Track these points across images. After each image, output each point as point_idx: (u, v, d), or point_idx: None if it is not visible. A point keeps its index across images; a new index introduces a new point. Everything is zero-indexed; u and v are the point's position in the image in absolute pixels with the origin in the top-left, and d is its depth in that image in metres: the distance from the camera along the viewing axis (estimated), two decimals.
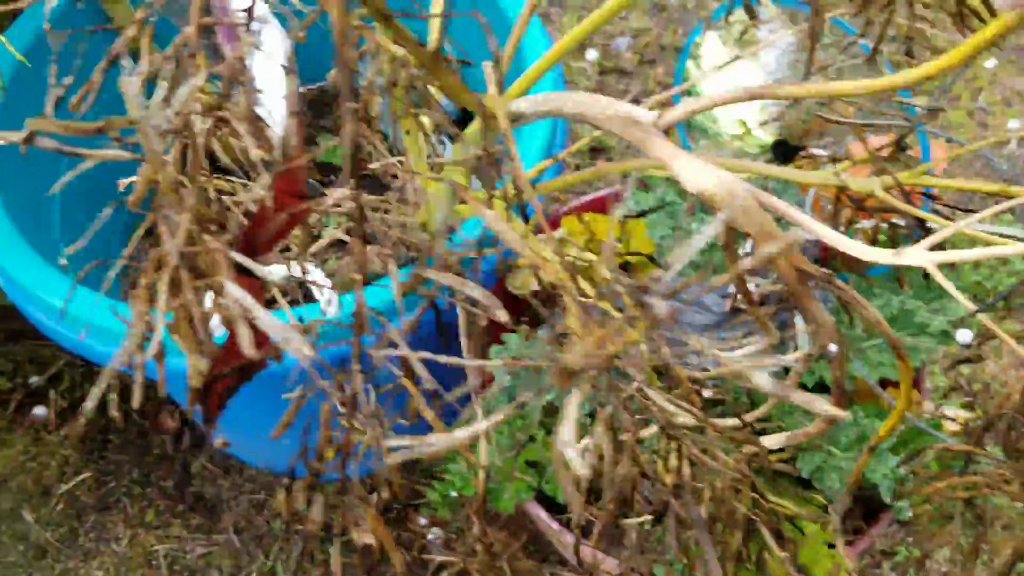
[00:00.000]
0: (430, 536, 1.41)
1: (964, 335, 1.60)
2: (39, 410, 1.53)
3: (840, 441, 0.95)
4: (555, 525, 1.04)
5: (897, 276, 1.05)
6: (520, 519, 1.35)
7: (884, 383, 1.14)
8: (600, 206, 1.33)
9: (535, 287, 1.14)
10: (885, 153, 0.93)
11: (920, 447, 0.98)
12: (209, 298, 0.47)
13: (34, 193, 1.15)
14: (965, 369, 1.57)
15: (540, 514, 1.05)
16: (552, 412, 1.04)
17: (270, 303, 1.29)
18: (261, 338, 0.44)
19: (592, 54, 1.97)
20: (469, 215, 0.93)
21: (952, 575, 1.37)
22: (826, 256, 1.16)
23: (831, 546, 0.95)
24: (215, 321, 0.47)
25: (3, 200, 1.07)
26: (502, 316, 0.51)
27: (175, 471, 1.47)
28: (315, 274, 0.96)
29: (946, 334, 1.02)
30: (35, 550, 1.40)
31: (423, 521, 1.43)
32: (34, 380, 1.56)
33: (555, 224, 1.22)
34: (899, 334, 1.00)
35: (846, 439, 0.95)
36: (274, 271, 0.93)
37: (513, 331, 1.05)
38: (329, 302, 0.96)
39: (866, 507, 1.06)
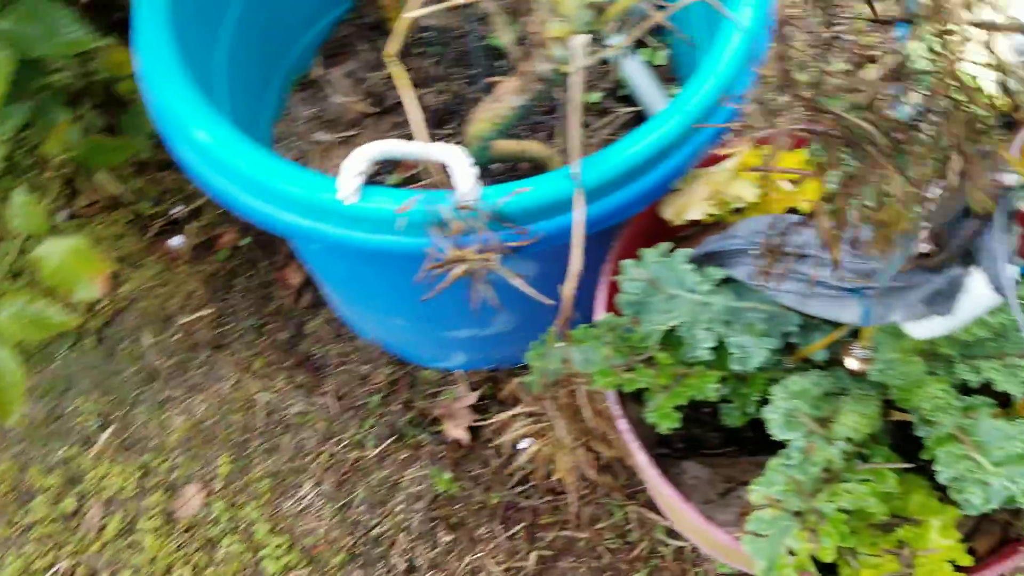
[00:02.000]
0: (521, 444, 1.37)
1: None
2: (176, 240, 1.57)
3: (993, 453, 0.83)
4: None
5: None
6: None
7: None
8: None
9: (693, 216, 1.04)
10: None
11: None
12: None
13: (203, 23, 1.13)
14: None
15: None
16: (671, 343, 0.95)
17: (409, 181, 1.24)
18: None
19: None
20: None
21: None
22: None
23: (959, 568, 0.84)
24: None
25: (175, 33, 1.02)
26: None
27: (290, 326, 1.48)
28: (459, 156, 0.90)
29: None
30: (147, 373, 1.45)
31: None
32: (177, 210, 1.59)
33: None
34: None
35: (1001, 452, 0.83)
36: None
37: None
38: (472, 188, 0.90)
39: (1004, 533, 0.94)
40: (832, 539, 0.83)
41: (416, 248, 0.89)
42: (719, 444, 1.09)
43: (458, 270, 0.85)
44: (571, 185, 0.87)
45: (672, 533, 1.29)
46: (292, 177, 0.92)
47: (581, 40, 0.83)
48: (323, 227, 0.94)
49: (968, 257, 0.75)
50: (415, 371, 1.42)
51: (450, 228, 0.88)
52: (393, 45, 0.77)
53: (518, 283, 0.86)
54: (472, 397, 1.37)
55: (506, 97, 0.99)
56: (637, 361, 0.95)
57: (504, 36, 0.89)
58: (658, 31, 1.28)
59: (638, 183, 0.94)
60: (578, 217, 0.81)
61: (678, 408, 0.93)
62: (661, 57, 1.29)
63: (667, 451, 1.07)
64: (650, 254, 0.94)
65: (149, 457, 1.41)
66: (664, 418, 0.90)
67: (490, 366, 1.39)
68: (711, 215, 1.04)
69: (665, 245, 0.95)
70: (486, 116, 1.02)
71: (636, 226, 1.07)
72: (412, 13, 0.80)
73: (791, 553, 0.85)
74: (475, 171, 0.90)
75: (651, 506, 1.31)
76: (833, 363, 0.97)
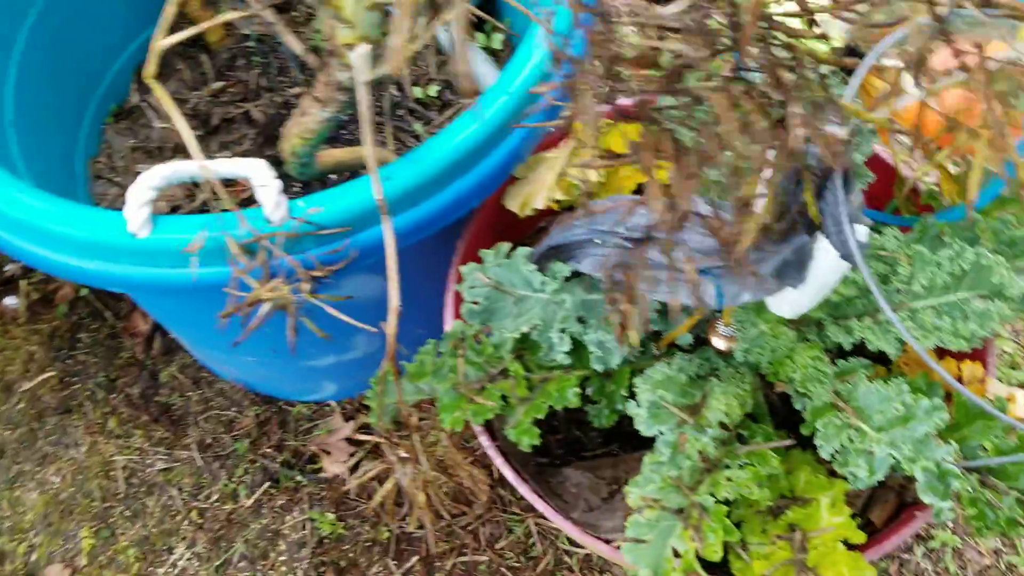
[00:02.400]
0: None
1: None
2: (9, 300, 1.42)
3: (873, 418, 0.78)
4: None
5: (976, 224, 0.85)
6: None
7: (941, 353, 0.95)
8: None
9: (539, 205, 0.96)
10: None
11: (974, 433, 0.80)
12: None
13: None
14: None
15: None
16: (529, 347, 0.88)
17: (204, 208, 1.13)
18: None
19: None
20: None
21: (995, 568, 1.20)
22: (885, 195, 0.96)
23: (851, 547, 0.78)
24: None
25: None
26: None
27: (143, 378, 1.35)
28: (260, 170, 0.80)
29: None
30: None
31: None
32: (8, 268, 1.45)
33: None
34: (968, 294, 0.80)
35: (882, 417, 0.77)
36: None
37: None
38: (277, 205, 0.80)
39: (900, 499, 0.88)
40: (716, 535, 0.77)
41: (226, 280, 0.79)
42: (603, 443, 1.02)
43: (265, 307, 0.76)
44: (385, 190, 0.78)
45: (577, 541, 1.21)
46: (76, 218, 0.81)
47: (365, 49, 0.75)
48: (122, 268, 0.83)
49: (814, 223, 0.69)
50: (285, 408, 1.31)
51: (255, 255, 0.78)
52: (150, 67, 0.68)
53: (335, 312, 0.76)
54: (348, 428, 1.27)
55: (312, 110, 0.89)
56: (495, 374, 0.87)
57: (295, 46, 0.79)
58: (490, 12, 1.20)
59: (465, 178, 0.86)
60: (387, 238, 0.72)
61: (539, 421, 0.85)
62: (497, 41, 1.21)
63: (547, 460, 1.00)
64: (490, 256, 0.86)
65: (3, 541, 1.27)
66: (524, 434, 0.82)
67: (365, 391, 1.29)
68: (559, 202, 0.96)
69: (504, 245, 0.86)
70: (295, 131, 0.93)
71: (481, 223, 0.99)
72: (168, 40, 0.69)
73: (676, 555, 0.78)
74: (278, 185, 0.80)
75: None
76: (702, 344, 0.91)
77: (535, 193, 0.96)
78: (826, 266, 0.68)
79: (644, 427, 0.77)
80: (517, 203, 0.97)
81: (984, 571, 1.20)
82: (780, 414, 0.94)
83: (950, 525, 1.22)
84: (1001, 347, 1.35)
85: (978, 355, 0.89)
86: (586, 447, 1.01)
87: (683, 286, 0.77)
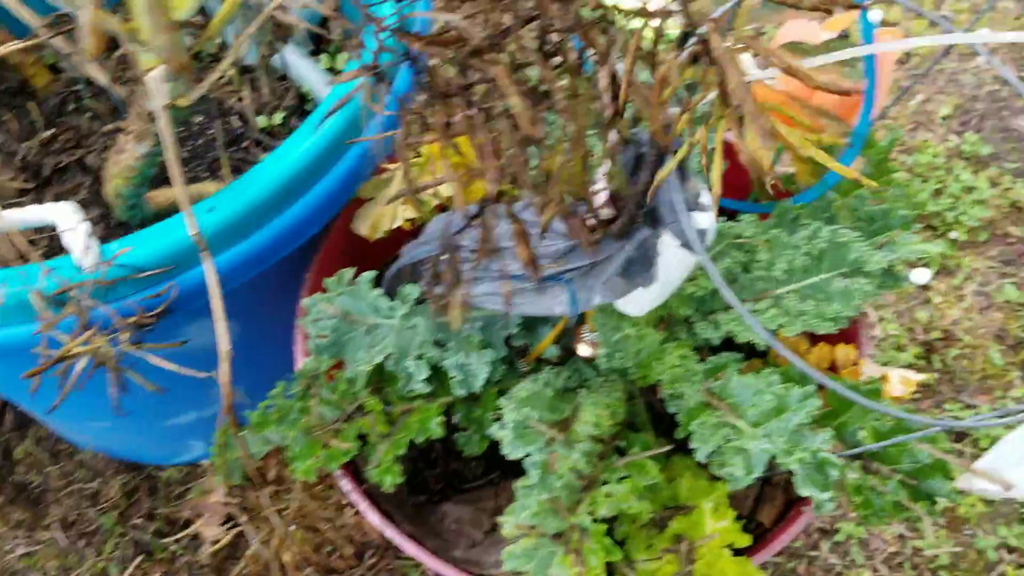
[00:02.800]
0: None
1: (920, 275, 1.40)
2: None
3: (748, 413, 0.74)
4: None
5: (832, 203, 0.83)
6: None
7: (814, 339, 0.92)
8: None
9: (389, 226, 0.91)
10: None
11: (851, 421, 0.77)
12: None
13: None
14: (922, 315, 1.36)
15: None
16: (386, 379, 0.82)
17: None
18: None
19: None
20: None
21: (901, 554, 1.18)
22: (747, 185, 0.94)
23: (737, 552, 0.74)
24: None
25: None
26: None
27: None
28: (64, 213, 0.73)
29: (891, 274, 0.80)
30: None
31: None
32: None
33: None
34: (829, 275, 0.78)
35: (756, 410, 0.74)
36: None
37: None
38: (87, 249, 0.73)
39: (787, 495, 0.85)
40: (598, 557, 0.71)
41: (33, 338, 0.71)
42: (484, 473, 0.96)
43: (81, 363, 0.68)
44: (201, 225, 0.72)
45: None
46: None
47: (159, 71, 0.68)
48: None
49: (655, 215, 0.65)
50: (154, 474, 1.22)
51: (63, 308, 0.70)
52: None
53: (162, 362, 0.69)
54: (222, 488, 1.18)
55: (129, 146, 0.82)
56: (351, 412, 0.80)
57: (98, 77, 0.73)
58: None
59: (299, 203, 0.80)
60: (209, 276, 0.66)
61: (414, 456, 0.79)
62: (342, 62, 1.16)
63: (424, 497, 0.93)
64: (333, 284, 0.80)
65: None
66: (386, 473, 0.76)
67: None
68: (411, 220, 0.91)
69: (348, 271, 0.81)
70: (115, 172, 0.86)
71: (331, 251, 0.93)
72: None
73: None
74: (86, 228, 0.72)
75: None
76: (572, 356, 0.86)
77: (384, 214, 0.90)
78: (671, 260, 0.64)
79: (510, 449, 0.72)
80: (366, 226, 0.91)
81: (891, 558, 1.18)
82: (665, 421, 0.90)
83: (853, 516, 1.20)
84: (886, 330, 1.35)
85: (850, 338, 0.87)
86: (467, 479, 0.95)
87: (539, 294, 0.73)
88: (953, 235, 1.43)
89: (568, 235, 0.69)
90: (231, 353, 0.69)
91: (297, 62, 1.11)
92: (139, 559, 1.16)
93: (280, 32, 1.01)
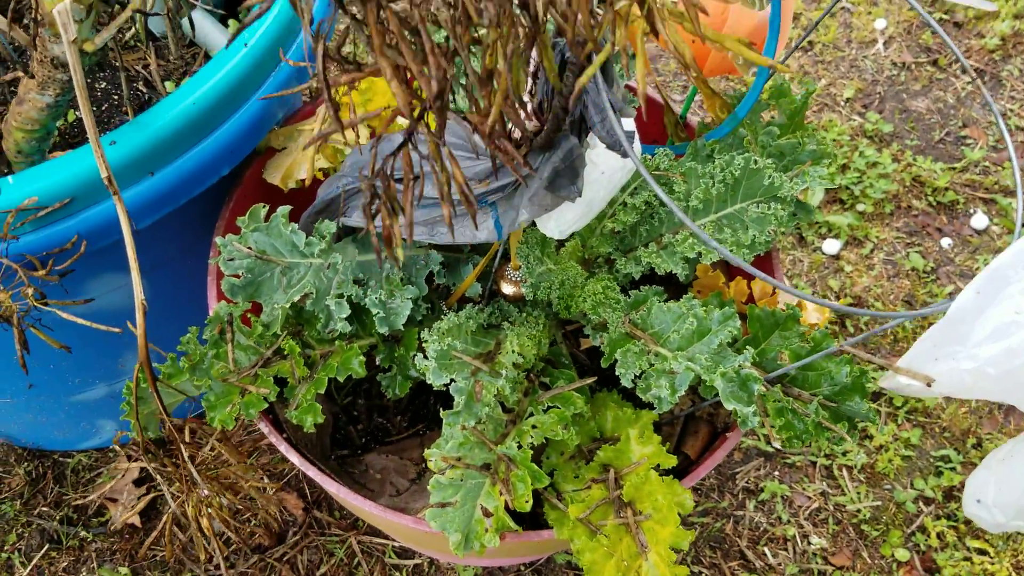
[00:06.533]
0: None
1: (831, 246, 1.44)
2: None
3: (671, 339, 0.74)
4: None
5: (743, 140, 0.85)
6: None
7: (731, 273, 0.94)
8: None
9: (302, 175, 0.89)
10: None
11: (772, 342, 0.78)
12: None
13: None
14: (834, 283, 1.40)
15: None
16: (305, 320, 0.80)
17: None
18: None
19: None
20: None
21: (824, 510, 1.20)
22: (663, 135, 0.95)
23: (665, 472, 0.74)
24: None
25: None
26: None
27: None
28: None
29: (802, 205, 0.82)
30: None
31: None
32: None
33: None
34: (745, 203, 0.79)
35: (678, 335, 0.74)
36: None
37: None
38: None
39: (712, 427, 0.86)
40: (525, 483, 0.70)
41: None
42: (408, 426, 0.94)
43: None
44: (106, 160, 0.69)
45: (405, 551, 1.12)
46: None
47: (66, 3, 0.66)
48: None
49: (581, 123, 0.65)
50: (61, 460, 1.16)
51: None
52: None
53: (68, 315, 0.66)
54: (135, 469, 1.13)
55: (31, 95, 0.79)
56: (269, 356, 0.78)
57: None
58: None
59: (206, 142, 0.78)
60: (120, 210, 0.63)
61: (337, 412, 0.77)
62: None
63: (347, 452, 0.91)
64: (246, 223, 0.78)
65: None
66: (306, 413, 0.74)
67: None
68: (324, 170, 0.89)
69: (261, 208, 0.79)
70: (15, 124, 0.82)
71: (243, 197, 0.91)
72: None
73: (487, 514, 0.71)
74: None
75: (375, 531, 1.14)
76: (494, 295, 0.86)
77: (297, 163, 0.89)
78: (596, 177, 0.64)
79: (434, 378, 0.70)
80: (279, 176, 0.89)
81: (815, 514, 1.20)
82: (583, 364, 0.90)
83: (776, 474, 1.22)
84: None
85: (765, 270, 0.89)
86: (391, 434, 0.93)
87: (463, 221, 0.72)
88: (860, 207, 1.48)
89: (491, 154, 0.69)
90: (145, 305, 0.66)
91: (206, 26, 1.09)
92: (45, 548, 1.10)
93: None
